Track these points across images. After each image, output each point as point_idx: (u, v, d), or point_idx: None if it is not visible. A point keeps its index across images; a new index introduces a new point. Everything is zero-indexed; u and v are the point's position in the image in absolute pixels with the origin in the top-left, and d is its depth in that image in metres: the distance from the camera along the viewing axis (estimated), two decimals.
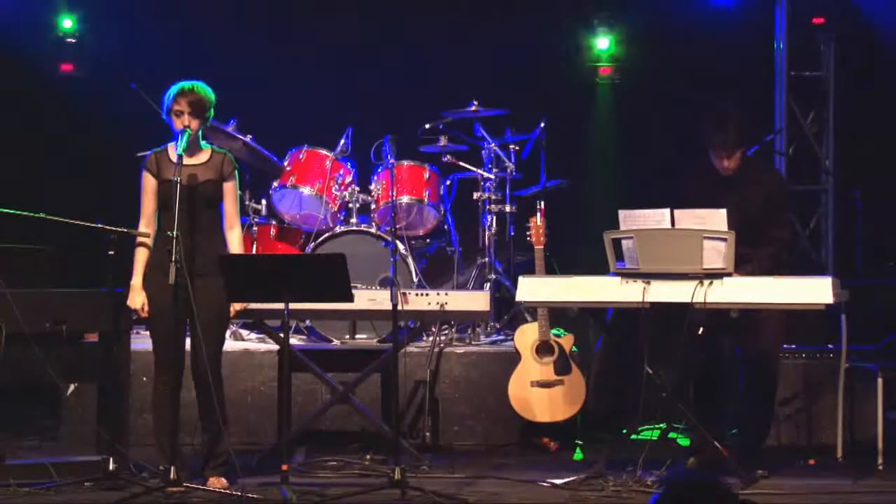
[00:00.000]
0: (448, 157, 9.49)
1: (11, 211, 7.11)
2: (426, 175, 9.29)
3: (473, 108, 9.49)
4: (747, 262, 7.29)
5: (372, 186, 9.24)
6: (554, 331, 8.27)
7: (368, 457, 7.76)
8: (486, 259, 9.39)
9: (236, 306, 7.14)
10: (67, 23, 10.59)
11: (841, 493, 7.04)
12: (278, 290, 6.76)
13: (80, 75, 10.63)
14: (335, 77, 10.59)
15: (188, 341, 7.06)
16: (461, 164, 9.50)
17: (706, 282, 6.91)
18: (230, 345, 8.35)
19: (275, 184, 9.26)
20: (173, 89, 7.02)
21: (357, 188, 9.22)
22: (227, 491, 6.88)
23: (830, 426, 7.96)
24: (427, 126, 9.44)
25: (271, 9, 10.67)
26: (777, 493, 6.99)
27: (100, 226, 7.05)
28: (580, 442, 8.12)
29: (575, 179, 9.69)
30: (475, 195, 9.52)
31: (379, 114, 9.80)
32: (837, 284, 6.94)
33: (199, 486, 6.87)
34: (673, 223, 7.00)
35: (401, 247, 8.86)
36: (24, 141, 10.19)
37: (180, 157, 6.92)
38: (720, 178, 7.51)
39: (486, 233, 9.44)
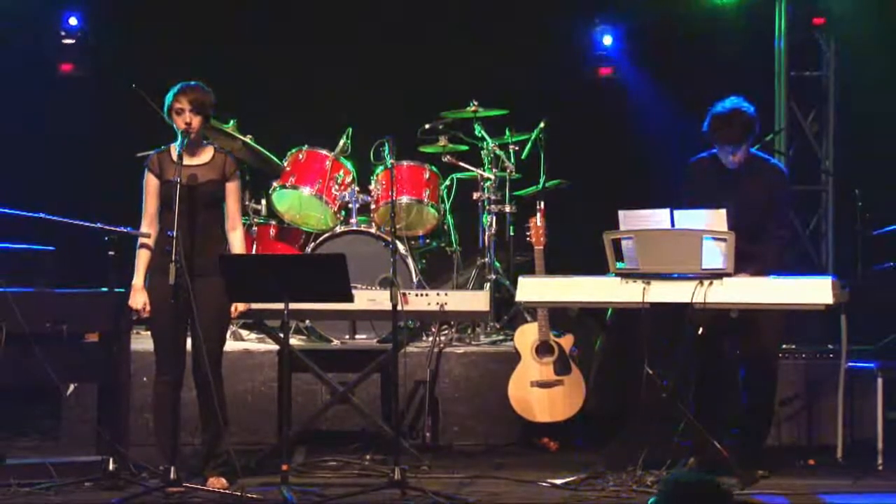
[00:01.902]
0: (448, 157, 9.49)
1: (11, 211, 7.11)
2: (426, 175, 9.29)
3: (473, 108, 9.49)
4: (750, 260, 7.28)
5: (372, 186, 9.24)
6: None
7: (368, 457, 7.76)
8: (486, 259, 9.39)
9: (239, 306, 7.15)
10: (69, 22, 10.58)
11: (841, 494, 7.04)
12: (278, 291, 6.76)
13: (80, 75, 10.62)
14: (335, 77, 10.59)
15: (189, 341, 7.07)
16: (461, 164, 9.50)
17: (706, 282, 6.91)
18: (230, 345, 8.34)
19: (275, 184, 9.26)
20: (174, 88, 7.04)
21: (357, 188, 9.22)
22: (227, 491, 6.88)
23: (830, 426, 7.96)
24: (427, 126, 9.44)
25: (272, 8, 10.67)
26: (777, 493, 6.99)
27: (100, 226, 7.05)
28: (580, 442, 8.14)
29: (575, 179, 9.69)
30: (475, 195, 9.52)
31: (379, 114, 9.80)
32: (837, 285, 6.94)
33: (199, 486, 6.88)
34: (673, 223, 7.01)
35: (401, 247, 8.86)
36: (24, 141, 10.18)
37: (180, 156, 6.93)
38: (724, 172, 7.51)
39: (486, 233, 9.43)
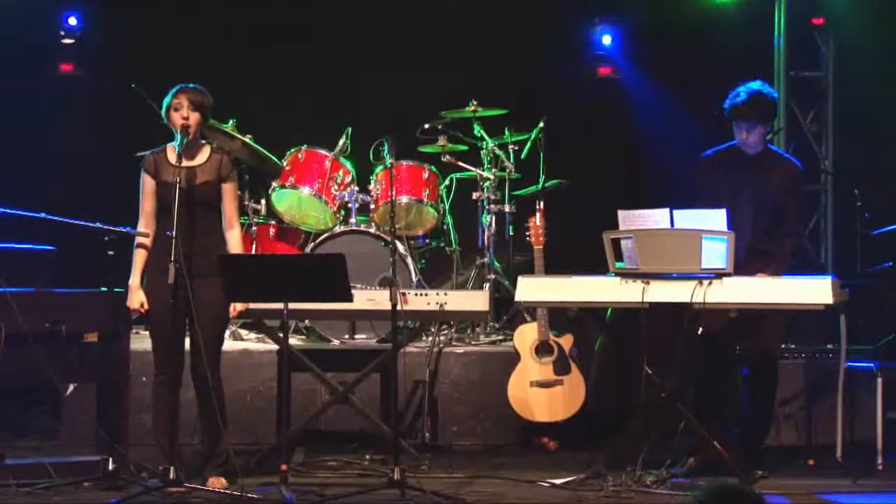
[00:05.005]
0: (447, 156, 9.49)
1: (11, 211, 7.12)
2: (425, 175, 9.29)
3: (473, 108, 9.49)
4: (764, 256, 7.30)
5: (371, 186, 9.24)
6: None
7: (368, 457, 7.77)
8: (486, 259, 9.39)
9: (238, 306, 7.15)
10: (69, 22, 10.58)
11: (841, 493, 7.04)
12: (278, 291, 6.76)
13: (80, 75, 10.62)
14: (335, 77, 10.59)
15: (188, 341, 7.07)
16: (460, 163, 9.50)
17: (705, 282, 6.91)
18: (230, 345, 8.36)
19: (274, 184, 9.26)
20: (173, 89, 7.07)
21: (356, 188, 9.22)
22: (227, 491, 6.88)
23: (830, 426, 7.95)
24: (426, 126, 9.44)
25: (271, 8, 10.67)
26: (777, 493, 6.99)
27: (100, 226, 7.05)
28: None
29: (575, 179, 9.68)
30: (474, 195, 9.51)
31: (379, 114, 9.79)
32: (837, 285, 6.94)
33: (199, 486, 6.88)
34: (672, 223, 7.01)
35: (400, 247, 8.85)
36: (24, 141, 10.18)
37: (179, 157, 6.93)
38: (740, 163, 7.52)
39: (486, 233, 9.43)
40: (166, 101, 7.05)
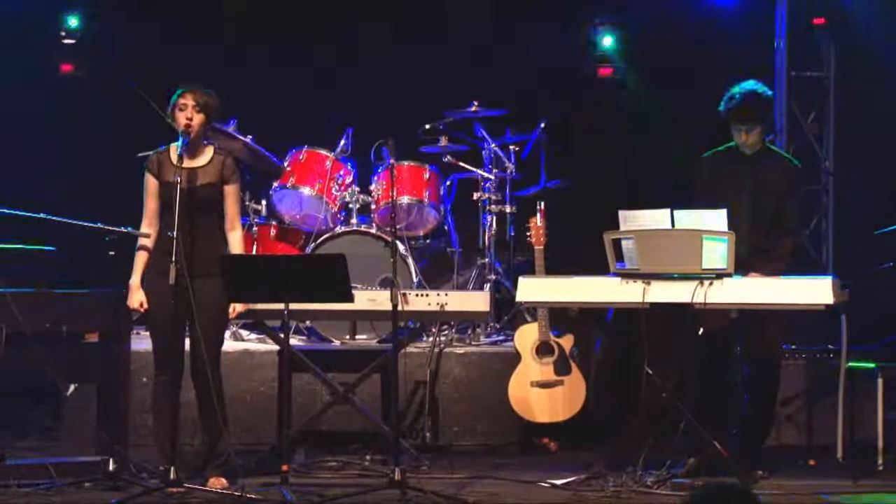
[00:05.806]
0: (448, 157, 9.49)
1: (11, 211, 7.11)
2: (426, 175, 9.29)
3: (473, 108, 9.49)
4: (764, 256, 7.31)
5: (372, 187, 9.24)
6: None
7: (368, 457, 7.77)
8: (486, 259, 9.39)
9: (237, 307, 7.15)
10: (70, 22, 10.58)
11: (841, 494, 7.04)
12: (278, 291, 6.76)
13: (80, 75, 10.62)
14: (335, 77, 10.59)
15: (188, 341, 7.07)
16: (461, 164, 9.50)
17: (706, 282, 6.91)
18: (230, 345, 8.36)
19: (275, 184, 9.27)
20: (181, 88, 7.06)
21: (357, 188, 9.22)
22: (227, 491, 6.88)
23: (830, 426, 7.96)
24: (427, 126, 9.44)
25: (271, 8, 10.67)
26: (777, 493, 6.99)
27: (100, 226, 7.05)
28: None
29: (575, 179, 9.68)
30: (475, 195, 9.52)
31: (379, 114, 9.79)
32: (837, 285, 6.94)
33: (199, 487, 6.88)
34: (673, 223, 7.01)
35: (401, 247, 8.85)
36: (24, 141, 10.18)
37: (181, 157, 6.93)
38: (740, 163, 7.52)
39: (486, 233, 9.44)
40: (173, 99, 7.05)
